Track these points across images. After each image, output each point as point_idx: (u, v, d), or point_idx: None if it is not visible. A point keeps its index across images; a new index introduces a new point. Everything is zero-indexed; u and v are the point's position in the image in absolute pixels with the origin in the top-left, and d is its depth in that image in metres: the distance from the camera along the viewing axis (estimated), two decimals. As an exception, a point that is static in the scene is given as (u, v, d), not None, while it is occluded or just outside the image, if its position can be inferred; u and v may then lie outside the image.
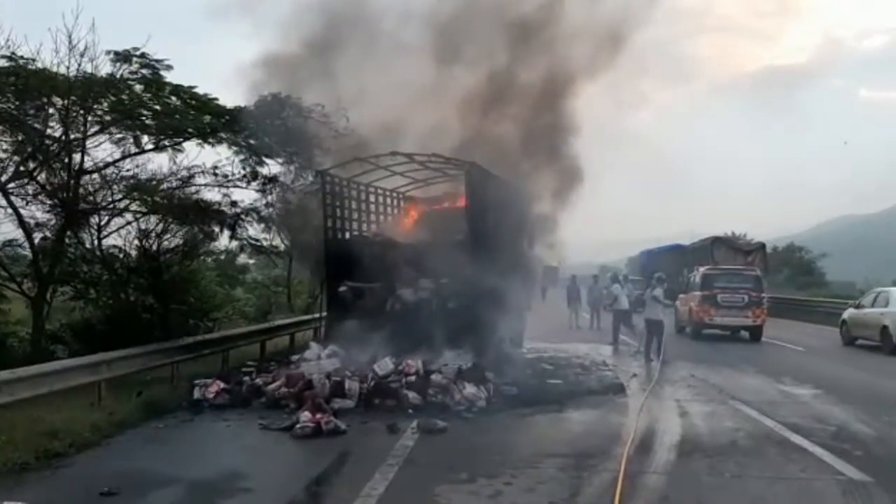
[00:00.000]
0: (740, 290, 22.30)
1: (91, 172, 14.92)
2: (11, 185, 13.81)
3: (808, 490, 7.41)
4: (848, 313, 22.42)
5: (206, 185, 16.13)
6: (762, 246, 35.74)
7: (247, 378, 12.42)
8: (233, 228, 16.63)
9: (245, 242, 19.27)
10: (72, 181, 14.44)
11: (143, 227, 15.96)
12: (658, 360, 16.58)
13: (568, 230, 18.97)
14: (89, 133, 14.61)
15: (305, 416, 9.80)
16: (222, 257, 24.08)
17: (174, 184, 15.81)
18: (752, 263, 31.52)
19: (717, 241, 33.47)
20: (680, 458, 8.42)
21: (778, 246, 59.78)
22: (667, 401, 12.11)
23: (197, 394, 11.51)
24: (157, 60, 14.58)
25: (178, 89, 15.28)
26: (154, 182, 15.52)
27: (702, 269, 24.27)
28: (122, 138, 15.36)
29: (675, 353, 17.48)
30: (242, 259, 26.75)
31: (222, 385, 11.86)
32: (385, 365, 12.04)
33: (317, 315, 17.79)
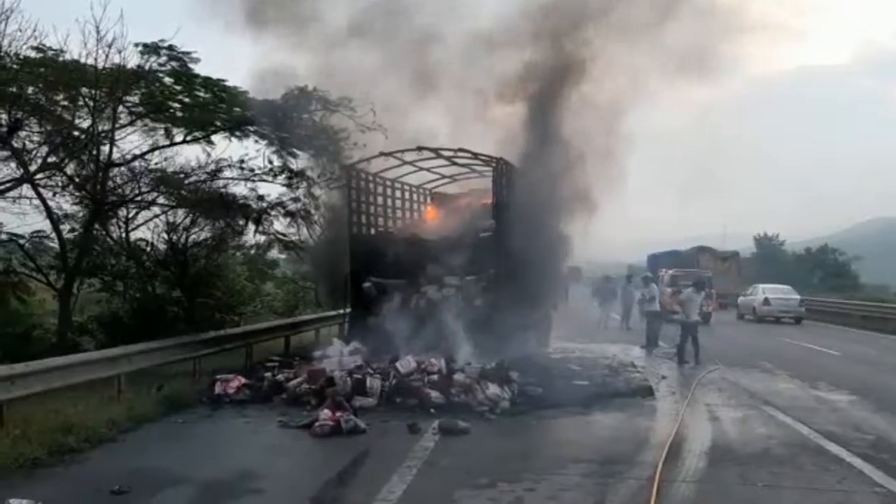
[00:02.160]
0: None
1: (119, 165, 14.92)
2: (39, 175, 13.81)
3: (845, 503, 7.06)
4: (739, 300, 33.66)
5: (232, 178, 16.09)
6: (736, 254, 45.07)
7: (268, 374, 12.32)
8: (258, 222, 16.55)
9: (273, 237, 19.20)
10: (100, 173, 14.45)
11: (170, 220, 15.96)
12: (678, 360, 16.81)
13: (598, 229, 18.69)
14: (118, 125, 14.61)
15: (325, 413, 9.63)
16: (252, 252, 24.09)
17: (202, 177, 15.77)
18: (728, 268, 40.53)
19: (701, 249, 42.11)
20: (710, 466, 8.12)
21: (811, 248, 58.85)
22: (697, 405, 11.77)
23: (218, 389, 11.42)
24: (184, 53, 14.57)
25: (207, 82, 15.23)
26: (181, 175, 15.48)
27: (669, 272, 32.07)
28: (153, 130, 15.36)
29: (704, 355, 17.08)
30: (273, 254, 26.74)
31: (243, 380, 11.77)
32: (407, 363, 11.86)
33: (341, 311, 17.67)
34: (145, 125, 15.23)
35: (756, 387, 13.73)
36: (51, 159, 13.77)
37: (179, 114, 15.25)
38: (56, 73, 13.42)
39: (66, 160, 14.00)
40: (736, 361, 17.19)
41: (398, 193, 17.39)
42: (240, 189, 16.28)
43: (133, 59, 13.90)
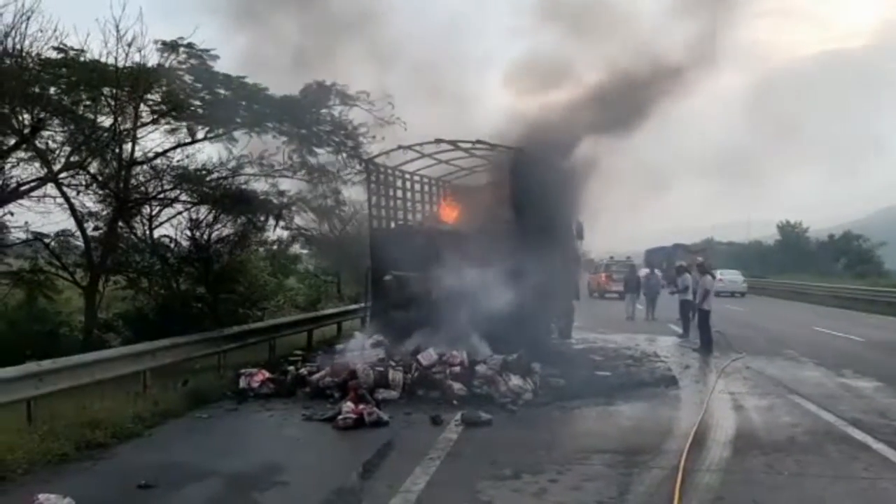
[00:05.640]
0: (623, 272, 32.65)
1: (142, 163, 15.03)
2: (63, 175, 13.95)
3: (871, 490, 7.02)
4: None
5: (253, 174, 16.17)
6: (705, 248, 53.25)
7: (292, 367, 12.41)
8: (278, 218, 16.63)
9: (296, 232, 19.27)
10: (123, 171, 14.57)
11: (193, 217, 16.06)
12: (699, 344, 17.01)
13: (620, 220, 18.68)
14: (140, 124, 14.72)
15: (348, 406, 9.69)
16: (274, 247, 24.23)
17: (223, 174, 15.87)
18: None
19: (677, 245, 50.95)
20: (735, 455, 8.08)
21: (834, 234, 58.18)
22: (721, 394, 11.70)
23: (242, 383, 11.51)
24: (203, 50, 14.63)
25: (227, 79, 15.30)
26: (203, 172, 15.58)
27: (604, 261, 39.19)
28: (175, 129, 15.47)
29: (728, 343, 16.97)
30: (295, 249, 26.90)
31: (267, 374, 11.85)
32: (429, 355, 11.88)
33: (363, 304, 17.72)
34: (167, 123, 15.34)
35: (780, 375, 13.63)
36: (74, 158, 13.88)
37: (200, 111, 15.33)
38: (77, 72, 13.54)
39: (89, 159, 14.11)
40: (760, 349, 17.07)
41: (417, 186, 17.38)
42: (260, 185, 16.41)
43: (153, 58, 14.01)
